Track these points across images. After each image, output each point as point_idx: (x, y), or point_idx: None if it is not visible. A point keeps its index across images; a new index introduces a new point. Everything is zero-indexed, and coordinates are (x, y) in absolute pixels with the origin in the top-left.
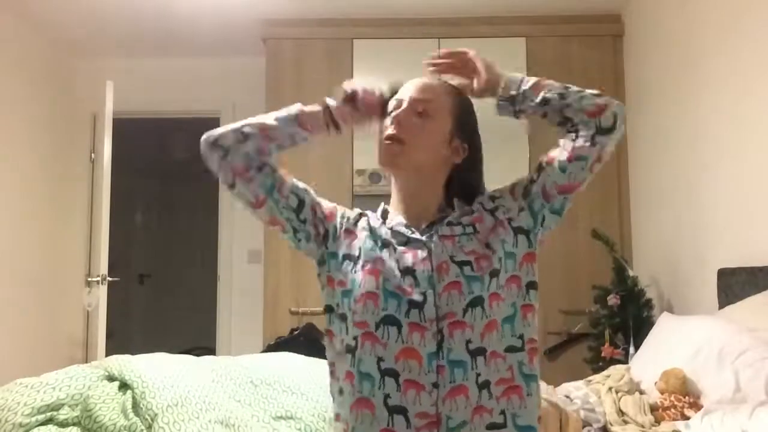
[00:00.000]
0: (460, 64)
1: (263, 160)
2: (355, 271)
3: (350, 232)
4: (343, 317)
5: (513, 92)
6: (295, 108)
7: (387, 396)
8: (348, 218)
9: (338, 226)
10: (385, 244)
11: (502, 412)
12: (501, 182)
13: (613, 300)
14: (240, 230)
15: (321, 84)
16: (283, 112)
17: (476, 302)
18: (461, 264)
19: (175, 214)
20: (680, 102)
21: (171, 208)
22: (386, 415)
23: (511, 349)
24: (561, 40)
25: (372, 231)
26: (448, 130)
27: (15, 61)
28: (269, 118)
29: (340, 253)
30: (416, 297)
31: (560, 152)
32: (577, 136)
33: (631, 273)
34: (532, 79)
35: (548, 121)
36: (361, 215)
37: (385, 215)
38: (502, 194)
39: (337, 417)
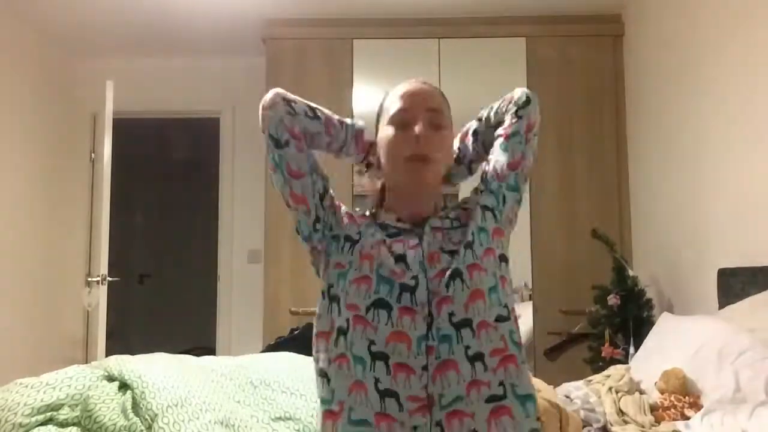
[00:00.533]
0: None
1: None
2: (352, 254)
3: (352, 217)
4: (334, 298)
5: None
6: (361, 123)
7: (377, 380)
8: (350, 215)
9: (342, 214)
10: (379, 234)
11: (501, 383)
12: None
13: (613, 300)
14: (240, 230)
15: (321, 84)
16: (348, 120)
17: (455, 274)
18: (451, 253)
19: (175, 214)
20: (680, 102)
21: (171, 208)
22: (378, 399)
23: (500, 319)
24: (561, 40)
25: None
26: (451, 142)
27: (15, 61)
28: (334, 116)
29: (342, 235)
30: (408, 281)
31: (497, 136)
32: (503, 120)
33: (631, 273)
34: (455, 138)
35: (485, 144)
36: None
37: (375, 215)
38: (468, 195)
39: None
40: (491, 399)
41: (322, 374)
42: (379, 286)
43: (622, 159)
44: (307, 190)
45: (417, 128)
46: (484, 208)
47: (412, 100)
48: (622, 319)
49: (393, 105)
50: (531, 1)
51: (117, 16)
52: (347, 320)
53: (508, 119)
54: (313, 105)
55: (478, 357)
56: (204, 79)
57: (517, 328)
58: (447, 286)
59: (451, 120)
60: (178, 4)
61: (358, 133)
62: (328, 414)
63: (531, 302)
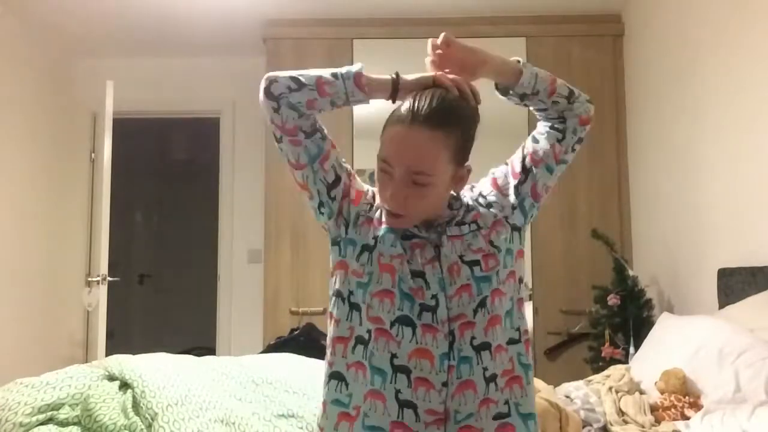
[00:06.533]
0: (459, 65)
1: (312, 116)
2: (371, 264)
3: (371, 221)
4: (355, 307)
5: (527, 92)
6: (356, 67)
7: (398, 391)
8: (370, 205)
9: (360, 212)
10: (399, 246)
11: (506, 402)
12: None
13: (613, 300)
14: (240, 230)
15: None
16: (343, 69)
17: (483, 302)
18: (471, 264)
19: (175, 214)
20: (680, 101)
21: (171, 208)
22: (396, 408)
23: (511, 342)
24: (561, 40)
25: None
26: (450, 176)
27: (15, 60)
28: (326, 72)
29: (359, 243)
30: (428, 301)
31: (544, 153)
32: (563, 138)
33: (631, 273)
34: (546, 80)
35: (537, 112)
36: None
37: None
38: (489, 191)
39: (325, 404)
40: (498, 416)
41: (339, 377)
42: (402, 303)
43: (622, 159)
44: (309, 179)
45: (390, 191)
46: (514, 227)
47: (397, 155)
48: (622, 319)
49: (384, 142)
50: (531, 1)
51: (117, 16)
52: (369, 332)
53: (565, 143)
54: (298, 73)
55: (493, 378)
56: (204, 79)
57: (527, 349)
58: (475, 312)
59: (460, 140)
60: (177, 4)
61: (357, 77)
62: (344, 415)
63: (531, 302)
